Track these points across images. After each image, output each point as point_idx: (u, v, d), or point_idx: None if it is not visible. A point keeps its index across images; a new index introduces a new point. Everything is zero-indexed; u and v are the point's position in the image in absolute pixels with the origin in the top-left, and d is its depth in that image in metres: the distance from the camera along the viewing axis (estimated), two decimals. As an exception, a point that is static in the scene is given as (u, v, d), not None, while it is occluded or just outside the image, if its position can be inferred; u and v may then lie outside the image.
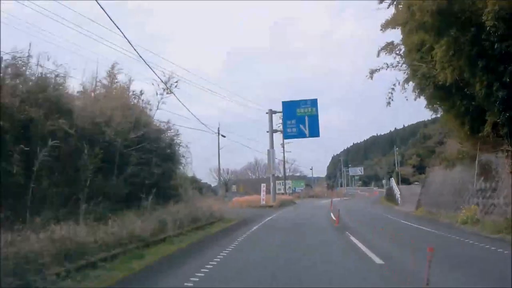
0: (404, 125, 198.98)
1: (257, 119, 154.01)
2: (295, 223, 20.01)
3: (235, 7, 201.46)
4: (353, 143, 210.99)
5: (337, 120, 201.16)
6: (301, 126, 36.53)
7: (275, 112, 38.07)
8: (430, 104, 23.32)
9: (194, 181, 28.13)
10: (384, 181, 72.95)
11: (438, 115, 26.54)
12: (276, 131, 38.51)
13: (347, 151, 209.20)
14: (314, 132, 36.74)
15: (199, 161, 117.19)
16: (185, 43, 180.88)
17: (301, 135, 36.88)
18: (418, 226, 18.30)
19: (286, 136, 38.47)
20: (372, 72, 22.19)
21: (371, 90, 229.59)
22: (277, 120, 41.62)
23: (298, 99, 37.39)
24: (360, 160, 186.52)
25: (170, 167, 18.20)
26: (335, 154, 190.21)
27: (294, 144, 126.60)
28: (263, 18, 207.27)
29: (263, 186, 35.66)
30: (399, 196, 41.50)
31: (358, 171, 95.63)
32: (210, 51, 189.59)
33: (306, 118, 36.49)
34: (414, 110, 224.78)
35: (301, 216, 26.49)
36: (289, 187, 71.64)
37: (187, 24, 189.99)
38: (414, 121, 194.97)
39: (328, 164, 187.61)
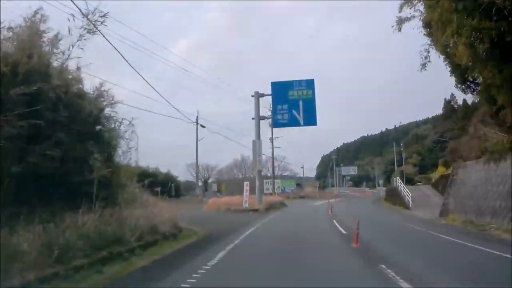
0: (395, 126, 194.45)
1: (244, 110, 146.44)
2: (289, 242, 12.63)
3: None
4: (343, 143, 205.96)
5: (327, 120, 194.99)
6: (294, 112, 29.54)
7: (262, 95, 30.94)
8: (474, 71, 16.54)
9: (147, 175, 21.09)
10: (381, 181, 66.64)
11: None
12: (263, 117, 31.45)
13: (337, 151, 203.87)
14: (310, 119, 29.72)
15: (177, 156, 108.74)
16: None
17: (294, 123, 29.87)
18: (482, 249, 11.42)
19: (276, 124, 31.37)
20: (401, 22, 15.42)
21: (361, 91, 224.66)
22: (267, 111, 34.81)
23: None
24: (350, 160, 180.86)
25: (88, 151, 11.05)
26: (324, 154, 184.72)
27: (283, 140, 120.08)
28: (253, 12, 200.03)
29: (247, 185, 28.41)
30: (409, 198, 34.76)
31: (351, 170, 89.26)
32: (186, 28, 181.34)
33: (301, 103, 29.48)
34: (405, 110, 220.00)
35: (295, 226, 19.02)
36: (278, 187, 64.76)
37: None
38: (405, 122, 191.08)
39: (317, 164, 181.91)
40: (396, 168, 67.45)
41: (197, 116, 41.09)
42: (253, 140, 30.06)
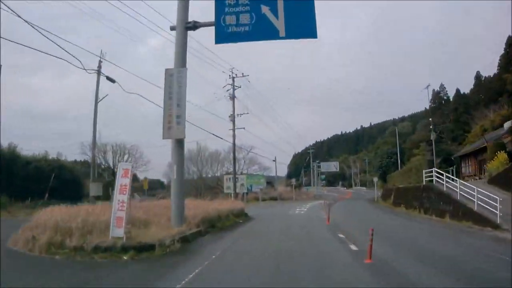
0: (371, 123, 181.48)
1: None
2: None
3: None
4: (316, 141, 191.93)
5: (299, 119, 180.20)
6: (263, 8, 12.32)
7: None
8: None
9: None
10: (375, 180, 50.49)
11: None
12: (195, 25, 13.73)
13: (307, 151, 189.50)
14: (302, 26, 12.50)
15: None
16: None
17: (264, 32, 12.59)
18: None
19: (224, 35, 13.52)
20: None
21: (333, 90, 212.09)
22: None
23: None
24: (323, 159, 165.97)
25: None
26: (296, 152, 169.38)
27: (245, 133, 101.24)
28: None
29: (124, 171, 10.27)
30: (497, 207, 16.77)
31: (333, 167, 73.13)
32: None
33: (281, -4, 12.36)
34: (380, 108, 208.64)
35: None
36: (242, 185, 47.32)
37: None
38: (380, 120, 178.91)
39: (288, 163, 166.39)
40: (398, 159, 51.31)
41: (100, 61, 23.07)
42: (166, 70, 12.29)
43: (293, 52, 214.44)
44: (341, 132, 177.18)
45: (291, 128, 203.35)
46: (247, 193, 49.96)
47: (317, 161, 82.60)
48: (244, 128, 37.55)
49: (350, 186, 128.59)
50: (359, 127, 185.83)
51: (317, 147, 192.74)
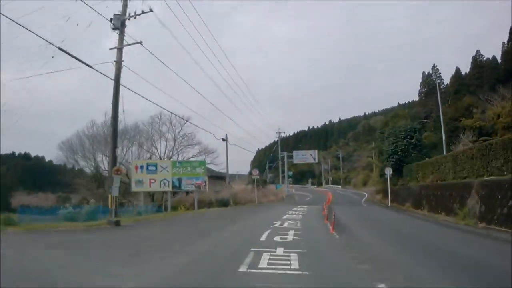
0: (340, 118, 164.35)
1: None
2: None
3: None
4: (281, 136, 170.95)
5: (264, 114, 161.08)
6: None
7: None
8: None
9: None
10: (388, 172, 30.17)
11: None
12: None
13: (273, 145, 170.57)
14: None
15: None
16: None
17: None
18: None
19: None
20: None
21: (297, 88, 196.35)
22: None
23: None
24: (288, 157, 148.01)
25: None
26: (259, 148, 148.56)
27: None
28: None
29: None
30: None
31: (309, 156, 52.06)
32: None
33: None
34: (349, 103, 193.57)
35: None
36: (165, 182, 25.64)
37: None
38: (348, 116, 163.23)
39: (252, 160, 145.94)
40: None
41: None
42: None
43: (258, 49, 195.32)
44: (308, 127, 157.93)
45: (254, 126, 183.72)
46: (174, 194, 28.41)
47: (285, 153, 61.59)
48: (141, 42, 15.77)
49: (320, 184, 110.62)
50: (327, 122, 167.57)
51: (282, 142, 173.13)
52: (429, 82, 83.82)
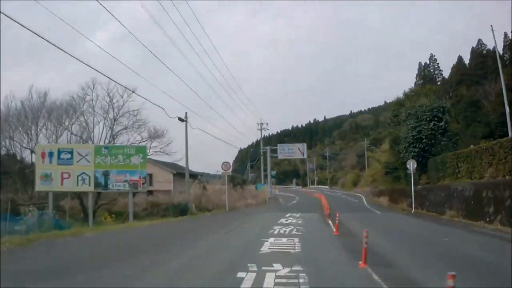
0: (325, 117, 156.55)
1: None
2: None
3: None
4: (264, 136, 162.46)
5: (244, 115, 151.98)
6: None
7: None
8: None
9: None
10: (411, 166, 21.01)
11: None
12: None
13: (256, 144, 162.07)
14: None
15: None
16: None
17: None
18: None
19: None
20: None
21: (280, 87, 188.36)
22: None
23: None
24: (272, 152, 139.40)
25: None
26: (242, 148, 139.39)
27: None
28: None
29: None
30: None
31: (297, 151, 41.91)
32: None
33: None
34: (334, 102, 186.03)
35: None
36: (85, 178, 15.73)
37: None
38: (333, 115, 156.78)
39: (234, 159, 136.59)
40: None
41: None
42: None
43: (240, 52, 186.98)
44: (292, 126, 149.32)
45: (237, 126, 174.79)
46: (97, 200, 18.66)
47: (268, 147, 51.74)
48: None
49: (305, 185, 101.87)
50: (312, 121, 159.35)
51: (265, 141, 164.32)
52: (426, 74, 75.84)
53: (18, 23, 9.20)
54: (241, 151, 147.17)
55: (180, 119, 22.58)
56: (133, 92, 22.84)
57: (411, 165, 22.04)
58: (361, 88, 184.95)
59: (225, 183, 26.41)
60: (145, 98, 30.06)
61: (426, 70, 74.08)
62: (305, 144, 41.28)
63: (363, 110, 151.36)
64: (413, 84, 78.60)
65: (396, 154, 27.07)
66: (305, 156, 41.86)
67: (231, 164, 22.95)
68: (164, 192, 31.73)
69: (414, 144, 23.60)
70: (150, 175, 37.51)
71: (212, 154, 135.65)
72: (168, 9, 41.41)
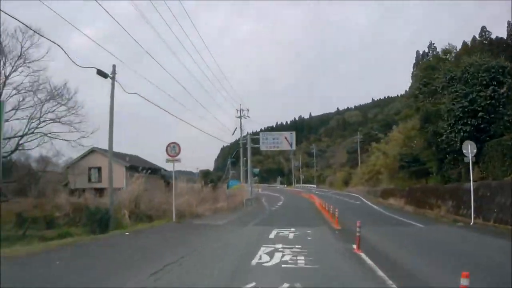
0: (311, 114, 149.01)
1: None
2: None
3: None
4: (247, 132, 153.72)
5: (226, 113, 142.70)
6: None
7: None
8: None
9: None
10: (470, 149, 12.54)
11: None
12: None
13: (238, 143, 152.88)
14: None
15: None
16: None
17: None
18: None
19: None
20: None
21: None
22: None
23: None
24: (255, 150, 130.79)
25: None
26: (224, 146, 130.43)
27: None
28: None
29: None
30: None
31: (284, 141, 32.41)
32: None
33: None
34: (320, 100, 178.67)
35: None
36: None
37: None
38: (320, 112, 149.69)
39: (216, 157, 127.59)
40: None
41: None
42: None
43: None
44: (276, 123, 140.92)
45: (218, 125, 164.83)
46: None
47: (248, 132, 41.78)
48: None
49: (290, 183, 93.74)
50: (297, 118, 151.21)
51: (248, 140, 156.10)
52: (425, 63, 68.14)
53: None
54: (223, 149, 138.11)
55: (100, 72, 13.55)
56: (35, 32, 13.65)
57: (469, 148, 13.56)
58: (347, 86, 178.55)
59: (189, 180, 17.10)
60: (52, 41, 20.41)
61: (425, 59, 66.55)
62: (293, 133, 32.54)
63: (350, 107, 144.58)
64: (410, 75, 70.68)
65: (425, 136, 18.61)
66: (294, 148, 33.12)
67: (179, 148, 13.82)
68: (118, 190, 22.95)
69: (465, 120, 15.21)
70: (99, 168, 28.46)
71: (198, 152, 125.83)
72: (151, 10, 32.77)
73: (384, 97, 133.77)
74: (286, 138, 32.50)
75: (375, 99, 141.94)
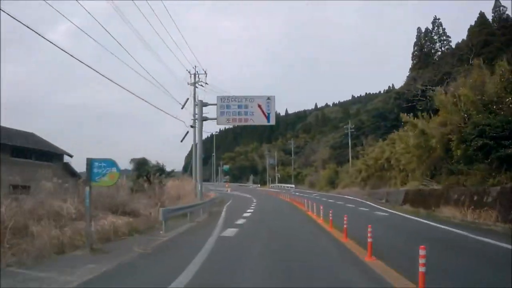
0: (287, 110, 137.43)
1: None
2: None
3: None
4: (220, 130, 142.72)
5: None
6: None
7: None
8: None
9: None
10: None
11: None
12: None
13: (211, 139, 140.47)
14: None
15: None
16: None
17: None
18: None
19: None
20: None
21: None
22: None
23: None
24: (227, 147, 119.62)
25: None
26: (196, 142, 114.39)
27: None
28: None
29: None
30: None
31: (258, 111, 20.85)
32: None
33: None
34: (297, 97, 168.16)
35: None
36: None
37: None
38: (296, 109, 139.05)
39: (186, 154, 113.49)
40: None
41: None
42: None
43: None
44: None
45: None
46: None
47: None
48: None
49: (265, 183, 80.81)
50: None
51: (220, 136, 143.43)
52: (428, 41, 57.00)
53: None
54: (195, 145, 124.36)
55: None
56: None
57: None
58: (327, 83, 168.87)
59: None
60: None
61: (428, 37, 55.17)
62: (272, 98, 19.07)
63: (329, 104, 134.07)
64: (410, 57, 59.86)
65: None
66: (273, 122, 19.67)
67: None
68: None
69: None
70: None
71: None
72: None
73: (366, 93, 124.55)
74: (260, 106, 19.22)
75: (355, 96, 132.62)
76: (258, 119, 19.44)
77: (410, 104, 36.22)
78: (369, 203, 24.84)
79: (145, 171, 25.22)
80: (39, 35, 7.91)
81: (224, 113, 19.55)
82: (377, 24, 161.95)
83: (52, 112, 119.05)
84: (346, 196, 33.43)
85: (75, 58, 9.65)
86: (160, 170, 26.60)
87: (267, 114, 19.23)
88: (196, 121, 20.02)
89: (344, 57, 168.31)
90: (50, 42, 8.63)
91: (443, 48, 53.73)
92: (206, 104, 20.38)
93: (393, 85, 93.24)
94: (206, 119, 20.07)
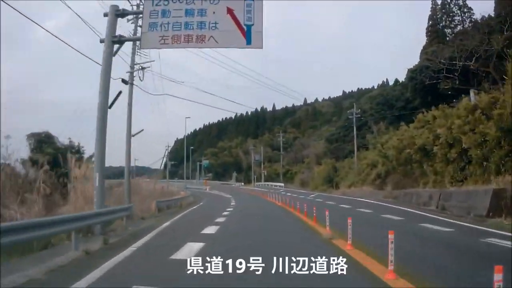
0: (274, 104, 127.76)
1: None
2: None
3: None
4: (204, 125, 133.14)
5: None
6: None
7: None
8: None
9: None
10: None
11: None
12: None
13: (194, 135, 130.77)
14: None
15: None
16: None
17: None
18: None
19: None
20: None
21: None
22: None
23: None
24: (211, 142, 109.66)
25: None
26: (178, 138, 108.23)
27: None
28: None
29: None
30: None
31: (229, 23, 11.21)
32: None
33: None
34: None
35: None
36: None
37: None
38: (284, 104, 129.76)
39: (169, 150, 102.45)
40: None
41: None
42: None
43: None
44: (236, 114, 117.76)
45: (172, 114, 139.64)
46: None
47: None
48: None
49: (249, 181, 70.40)
50: (259, 109, 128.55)
51: (205, 131, 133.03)
52: (444, 14, 47.70)
53: None
54: (177, 142, 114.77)
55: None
56: None
57: None
58: (317, 78, 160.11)
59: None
60: None
61: (445, 9, 45.77)
62: (257, 2, 9.34)
63: (319, 100, 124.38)
64: (425, 33, 50.61)
65: None
66: (258, 45, 9.60)
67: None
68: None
69: None
70: None
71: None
72: None
73: (358, 88, 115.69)
74: (231, 12, 8.86)
75: (347, 92, 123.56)
76: (227, 37, 8.99)
77: (434, 81, 31.08)
78: (413, 211, 14.81)
79: (47, 152, 14.95)
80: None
81: (156, 25, 9.06)
82: (369, 25, 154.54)
83: None
84: (359, 199, 23.50)
85: None
86: (74, 149, 16.13)
87: (245, 28, 8.83)
88: (104, 46, 9.44)
89: (334, 53, 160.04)
90: None
91: (466, 21, 43.84)
92: (125, 12, 9.87)
93: (387, 79, 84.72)
94: (119, 40, 9.53)
